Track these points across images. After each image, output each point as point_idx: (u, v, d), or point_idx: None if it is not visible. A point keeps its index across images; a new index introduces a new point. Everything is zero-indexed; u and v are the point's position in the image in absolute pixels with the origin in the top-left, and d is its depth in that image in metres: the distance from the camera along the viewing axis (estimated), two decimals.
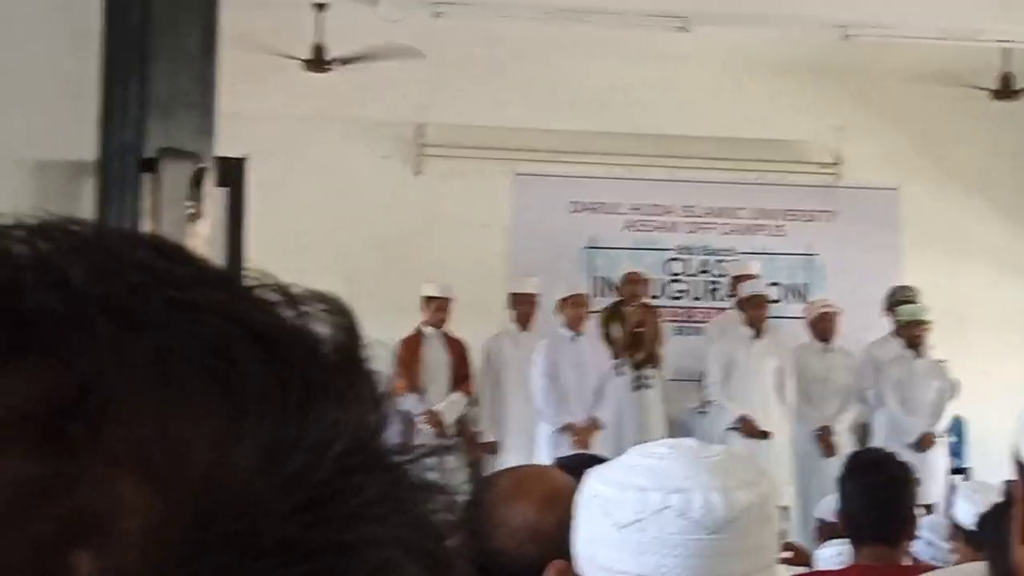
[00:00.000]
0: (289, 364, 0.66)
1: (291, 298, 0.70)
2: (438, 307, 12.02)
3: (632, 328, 12.01)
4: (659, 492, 1.77)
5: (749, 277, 12.37)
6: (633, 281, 12.26)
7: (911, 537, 4.98)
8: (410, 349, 11.96)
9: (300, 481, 0.63)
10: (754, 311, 11.96)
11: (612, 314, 12.26)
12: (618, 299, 12.43)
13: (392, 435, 0.71)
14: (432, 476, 0.71)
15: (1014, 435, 1.92)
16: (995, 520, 4.22)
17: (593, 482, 1.85)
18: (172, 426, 0.62)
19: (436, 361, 12.01)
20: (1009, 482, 1.94)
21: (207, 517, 0.61)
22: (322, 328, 0.70)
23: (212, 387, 0.64)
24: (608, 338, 12.05)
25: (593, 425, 11.59)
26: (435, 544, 0.69)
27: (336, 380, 0.67)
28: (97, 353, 0.63)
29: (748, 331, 11.97)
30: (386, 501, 0.67)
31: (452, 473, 0.74)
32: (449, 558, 0.70)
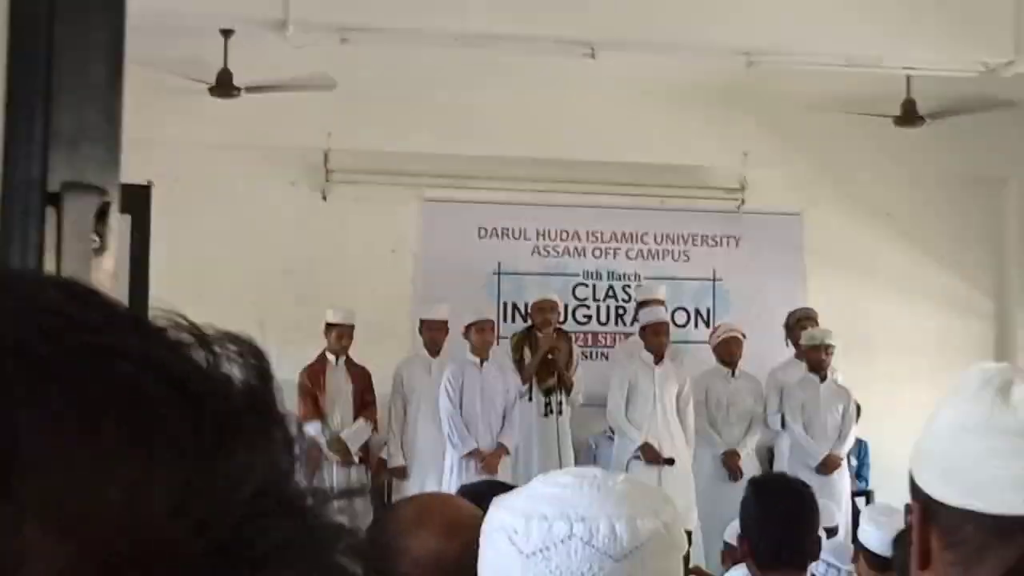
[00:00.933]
0: (201, 408, 0.66)
1: (203, 339, 0.70)
2: (340, 334, 11.99)
3: (544, 354, 12.02)
4: (564, 521, 1.77)
5: (655, 302, 12.42)
6: (543, 308, 12.26)
7: (814, 559, 5.01)
8: (313, 376, 11.91)
9: (210, 525, 0.63)
10: (654, 338, 12.01)
11: (523, 339, 12.26)
12: (529, 325, 12.43)
13: (302, 476, 0.71)
14: (340, 519, 0.72)
15: (911, 460, 1.95)
16: (903, 544, 4.27)
17: (498, 512, 1.85)
18: (83, 474, 0.62)
19: (339, 388, 11.98)
20: (907, 507, 1.96)
21: (117, 563, 0.61)
22: (234, 369, 0.70)
23: (125, 433, 0.63)
24: (519, 363, 12.05)
25: (500, 451, 11.60)
26: None
27: (247, 423, 0.67)
28: (10, 399, 0.63)
29: (649, 357, 12.02)
30: (294, 546, 0.67)
31: (353, 508, 0.74)
32: None
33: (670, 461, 11.79)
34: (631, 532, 1.78)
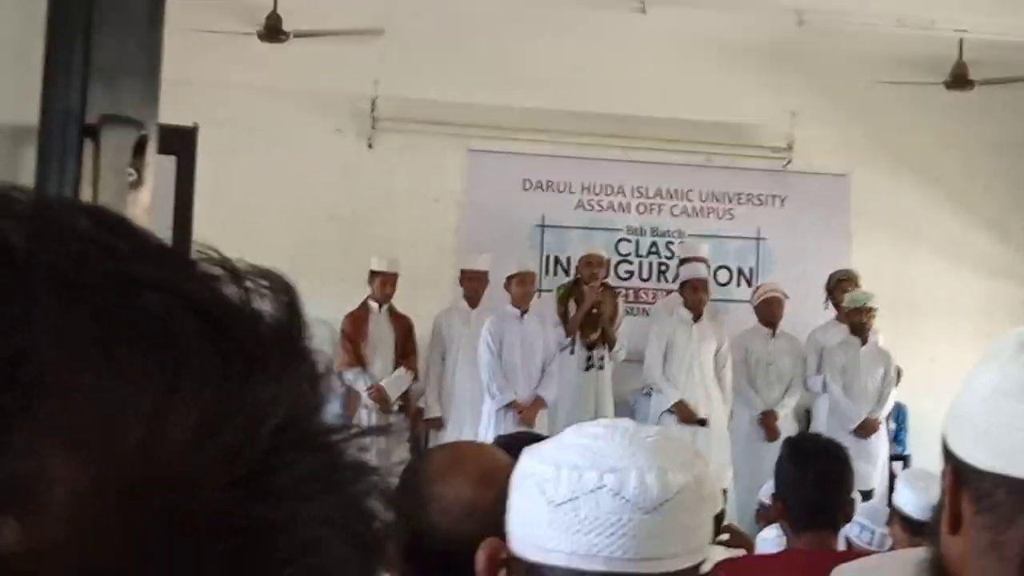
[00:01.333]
0: (228, 339, 0.66)
1: (234, 273, 0.70)
2: (384, 281, 11.99)
3: (588, 308, 12.01)
4: (594, 471, 1.77)
5: (696, 260, 12.38)
6: (591, 263, 12.24)
7: (848, 520, 5.01)
8: (356, 324, 11.93)
9: (233, 456, 0.63)
10: (693, 294, 11.99)
11: (569, 292, 12.26)
12: (576, 278, 12.42)
13: (329, 414, 0.71)
14: (366, 457, 0.72)
15: (945, 423, 1.94)
16: (937, 509, 4.25)
17: (528, 460, 1.85)
18: (106, 398, 0.62)
19: (381, 336, 12.00)
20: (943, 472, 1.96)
21: (138, 489, 0.61)
22: (264, 304, 0.70)
23: (150, 360, 0.63)
24: (563, 316, 12.05)
25: (538, 403, 11.61)
26: (365, 525, 0.70)
27: (274, 357, 0.67)
28: (35, 322, 0.63)
29: (688, 314, 12.01)
30: (317, 480, 0.67)
31: (387, 454, 0.75)
32: (378, 540, 0.71)
33: (703, 422, 11.79)
34: (661, 485, 1.78)
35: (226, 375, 0.65)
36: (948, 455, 1.92)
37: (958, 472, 1.90)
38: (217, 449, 0.63)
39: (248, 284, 0.70)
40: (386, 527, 0.71)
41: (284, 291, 0.71)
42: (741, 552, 6.99)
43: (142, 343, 0.64)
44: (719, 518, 6.83)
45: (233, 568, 0.64)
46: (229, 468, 0.63)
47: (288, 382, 0.67)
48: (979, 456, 1.85)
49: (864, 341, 12.05)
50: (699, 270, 12.17)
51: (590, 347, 12.03)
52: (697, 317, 11.98)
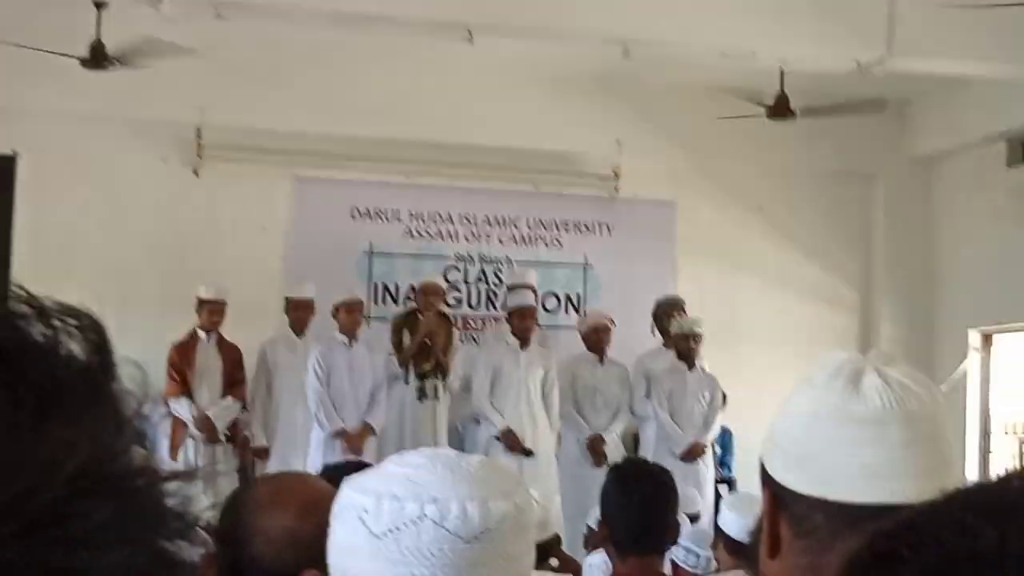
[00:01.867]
0: (24, 382, 0.63)
1: (42, 312, 0.68)
2: (212, 310, 11.86)
3: (421, 338, 11.98)
4: (415, 502, 1.76)
5: (523, 287, 12.43)
6: (428, 292, 12.21)
7: (674, 543, 5.05)
8: (183, 353, 11.79)
9: (25, 503, 0.61)
10: (520, 322, 12.04)
11: (403, 322, 12.21)
12: (414, 307, 12.38)
13: (134, 457, 0.68)
14: (172, 502, 0.69)
15: (763, 448, 1.96)
16: (758, 532, 4.31)
17: (349, 491, 1.83)
18: None
19: (209, 365, 11.86)
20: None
21: None
22: (73, 344, 0.68)
23: None
24: (398, 346, 12.01)
25: (365, 431, 11.57)
26: (167, 574, 0.68)
27: (73, 400, 0.65)
28: None
29: (515, 341, 12.05)
30: (116, 528, 0.65)
31: (195, 499, 0.72)
32: None
33: (528, 452, 11.83)
34: (483, 514, 1.77)
35: (18, 420, 0.62)
36: (766, 480, 1.94)
37: (776, 497, 1.92)
38: (7, 495, 0.61)
39: (55, 323, 0.68)
40: (187, 573, 0.69)
41: (92, 330, 0.69)
42: None
43: None
44: (554, 543, 6.85)
45: None
46: (18, 517, 0.61)
47: (88, 426, 0.65)
48: (796, 481, 1.87)
49: (691, 367, 12.20)
50: (526, 298, 12.22)
51: (422, 377, 12.00)
52: (524, 344, 12.03)
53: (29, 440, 0.62)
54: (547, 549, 6.61)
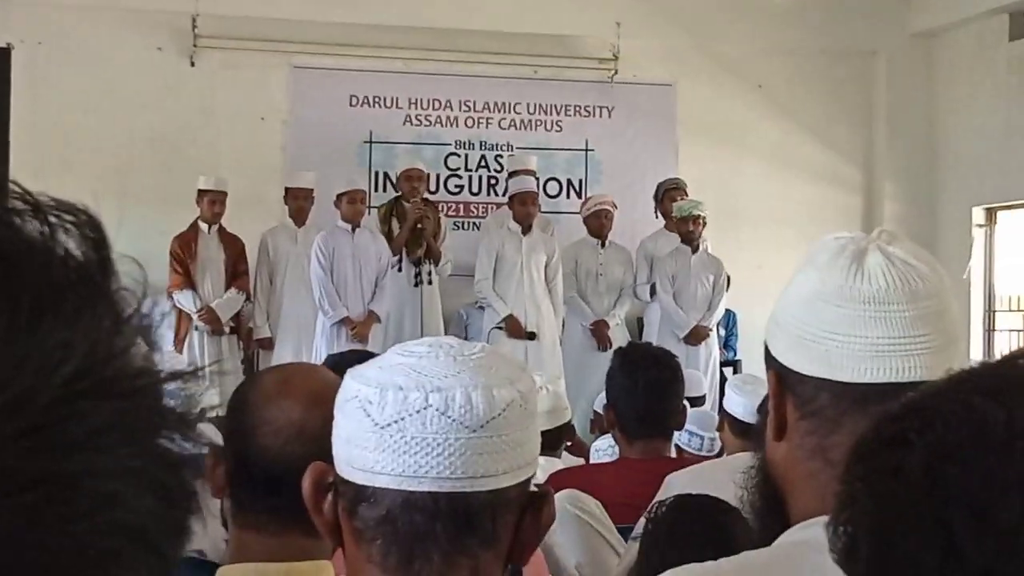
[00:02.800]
0: (19, 282, 0.62)
1: (37, 208, 0.66)
2: (212, 200, 11.82)
3: (412, 224, 11.96)
4: (419, 391, 1.76)
5: (524, 172, 12.42)
6: (411, 177, 12.18)
7: (679, 427, 5.07)
8: (185, 245, 11.78)
9: (22, 405, 0.60)
10: (521, 207, 12.01)
11: (391, 210, 12.20)
12: (397, 195, 12.37)
13: (134, 356, 0.67)
14: (172, 402, 0.69)
15: (767, 330, 1.95)
16: (763, 412, 4.32)
17: (351, 383, 1.82)
18: None
19: (211, 257, 11.85)
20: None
21: None
22: (69, 241, 0.66)
23: None
24: (387, 234, 11.99)
25: (371, 319, 11.58)
26: (169, 475, 0.67)
27: (70, 300, 0.64)
28: None
29: (516, 227, 12.04)
30: (115, 430, 0.64)
31: (198, 397, 0.71)
32: (185, 488, 0.68)
33: (532, 335, 11.86)
34: (487, 402, 1.77)
35: (14, 320, 0.61)
36: (771, 361, 1.93)
37: (781, 378, 1.91)
38: (3, 399, 0.60)
39: (51, 219, 0.66)
40: (194, 474, 0.68)
41: (90, 227, 0.68)
42: (580, 461, 7.05)
43: None
44: (566, 428, 6.89)
45: (26, 523, 0.60)
46: (16, 418, 0.60)
47: (85, 326, 0.64)
48: (800, 362, 1.87)
49: (695, 249, 12.19)
50: (528, 183, 12.20)
51: (417, 263, 12.01)
52: (526, 230, 12.02)
53: (24, 343, 0.61)
54: (559, 435, 6.66)
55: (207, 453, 2.55)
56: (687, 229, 12.13)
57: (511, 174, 12.59)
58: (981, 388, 0.96)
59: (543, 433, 6.91)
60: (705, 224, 12.18)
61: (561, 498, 4.03)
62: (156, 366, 0.69)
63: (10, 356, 0.61)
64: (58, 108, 12.33)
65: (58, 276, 0.65)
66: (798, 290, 1.90)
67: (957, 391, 0.97)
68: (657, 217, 12.84)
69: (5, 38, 12.19)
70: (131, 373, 0.66)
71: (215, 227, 11.89)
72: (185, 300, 11.67)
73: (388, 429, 1.76)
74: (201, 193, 11.83)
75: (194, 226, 11.86)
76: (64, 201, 0.68)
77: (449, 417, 1.75)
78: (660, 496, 3.62)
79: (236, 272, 11.94)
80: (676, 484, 3.72)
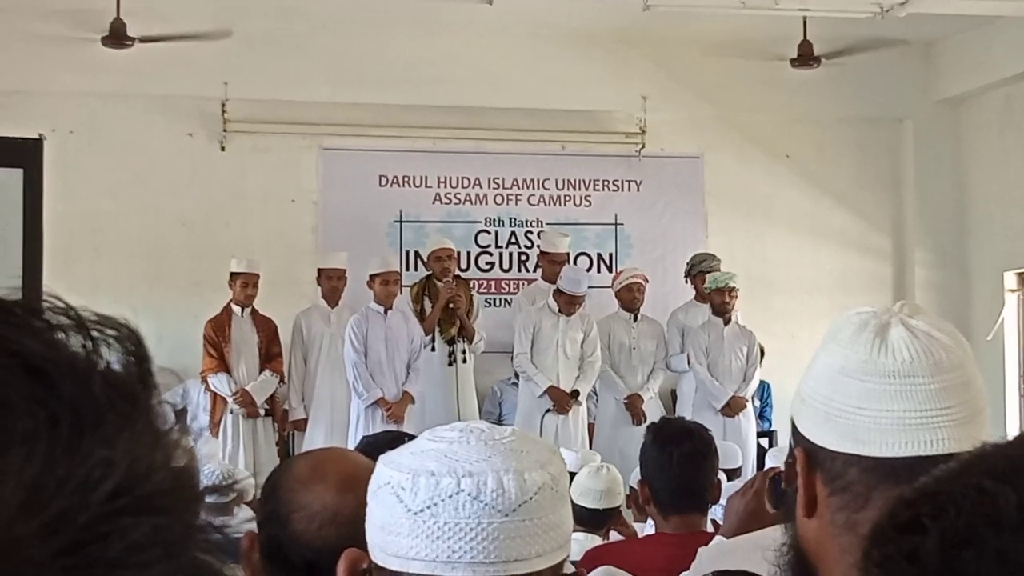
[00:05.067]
0: (61, 400, 0.63)
1: (80, 323, 0.68)
2: (245, 283, 11.86)
3: (444, 303, 11.99)
4: (451, 476, 1.77)
5: (557, 256, 12.45)
6: (441, 257, 12.21)
7: (715, 501, 5.06)
8: (219, 328, 11.82)
9: (63, 523, 0.61)
10: (568, 305, 11.95)
11: (423, 289, 12.22)
12: (428, 274, 12.40)
13: (173, 471, 0.68)
14: (208, 516, 0.69)
15: (792, 406, 1.96)
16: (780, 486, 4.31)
17: (384, 469, 1.84)
18: None
19: (245, 340, 11.89)
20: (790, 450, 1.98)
21: None
22: (110, 355, 0.68)
23: None
24: (420, 313, 12.01)
25: (405, 399, 11.58)
26: None
27: (110, 417, 0.65)
28: None
29: (554, 304, 12.03)
30: (154, 546, 0.65)
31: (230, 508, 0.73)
32: None
33: (575, 394, 11.84)
34: (519, 486, 1.78)
35: (56, 439, 0.62)
36: (798, 438, 1.94)
37: (809, 454, 1.92)
38: (46, 517, 0.61)
39: (94, 334, 0.68)
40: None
41: (131, 341, 0.69)
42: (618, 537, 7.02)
43: None
44: (615, 511, 6.89)
45: None
46: (59, 536, 0.61)
47: (125, 443, 0.65)
48: (828, 438, 1.88)
49: (727, 321, 12.17)
50: (580, 285, 11.98)
51: (450, 342, 12.03)
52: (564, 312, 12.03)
53: (66, 460, 0.62)
54: (607, 516, 6.66)
55: (243, 539, 2.57)
56: (721, 301, 12.12)
57: (543, 254, 12.62)
58: (993, 471, 0.98)
59: (592, 511, 6.90)
60: (737, 296, 12.17)
61: (597, 574, 4.03)
62: (192, 479, 0.70)
63: (51, 476, 0.62)
64: (90, 196, 12.42)
65: (99, 393, 0.66)
66: (822, 366, 1.91)
67: (969, 474, 0.98)
68: (686, 283, 12.84)
69: (37, 128, 12.30)
70: (169, 488, 0.67)
71: (248, 309, 11.93)
72: (220, 384, 11.70)
73: (421, 515, 1.77)
74: (233, 276, 11.88)
75: (227, 309, 11.91)
76: (106, 315, 0.69)
77: (481, 502, 1.76)
78: (693, 572, 3.61)
79: (270, 354, 11.97)
80: (707, 558, 3.71)
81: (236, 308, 11.91)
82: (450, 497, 1.76)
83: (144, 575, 0.64)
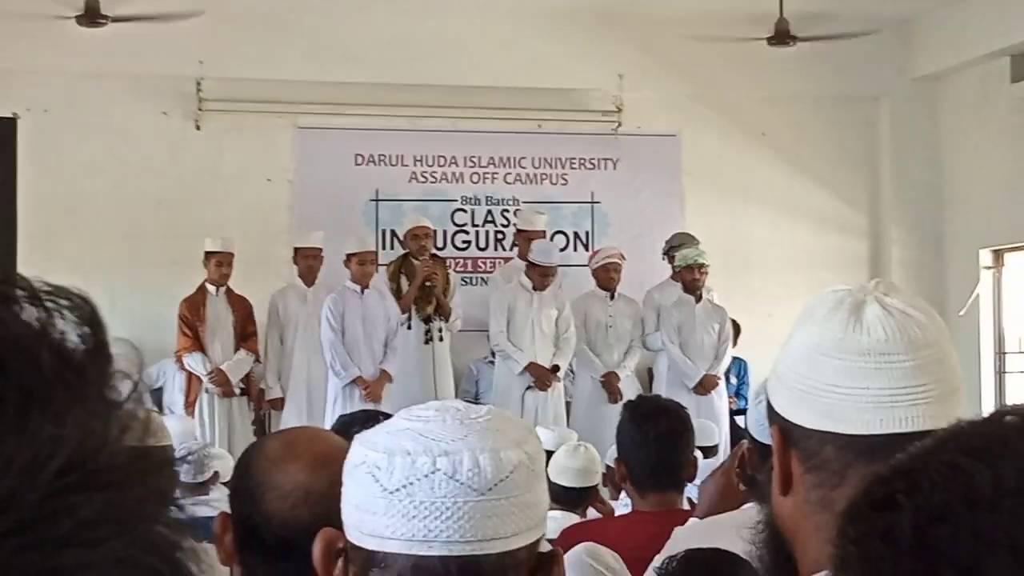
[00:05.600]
0: (7, 377, 0.63)
1: (35, 295, 0.67)
2: (219, 262, 11.83)
3: (420, 281, 11.98)
4: (427, 456, 1.76)
5: (534, 233, 12.44)
6: (418, 235, 12.21)
7: (692, 480, 5.06)
8: (193, 307, 11.79)
9: (10, 504, 0.61)
10: (541, 278, 11.97)
11: (399, 267, 12.22)
12: (405, 252, 12.39)
13: (126, 444, 0.67)
14: (165, 486, 0.69)
15: (768, 385, 1.96)
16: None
17: (359, 448, 1.83)
18: None
19: (220, 319, 11.87)
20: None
21: None
22: (65, 326, 0.67)
23: None
24: (396, 292, 12.01)
25: (383, 378, 11.58)
26: (163, 561, 0.67)
27: (59, 393, 0.64)
28: None
29: (528, 282, 12.05)
30: (106, 522, 0.64)
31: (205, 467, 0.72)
32: (181, 573, 0.68)
33: (556, 368, 11.88)
34: (495, 465, 1.77)
35: (3, 417, 0.62)
36: (773, 416, 1.94)
37: (785, 432, 1.92)
38: None
39: (49, 306, 0.67)
40: (188, 555, 0.68)
41: (85, 311, 0.68)
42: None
43: None
44: (593, 490, 6.91)
45: None
46: (4, 518, 0.61)
47: (74, 418, 0.64)
48: (803, 415, 1.88)
49: (698, 299, 12.19)
50: (551, 255, 12.07)
51: (427, 320, 12.03)
52: (538, 288, 12.02)
53: (12, 441, 0.62)
54: (585, 494, 6.67)
55: (216, 520, 2.56)
56: (691, 278, 12.14)
57: (519, 231, 12.65)
58: (967, 448, 0.98)
59: (569, 490, 6.90)
60: (707, 273, 12.18)
61: (579, 550, 4.03)
62: (147, 451, 0.69)
63: None
64: (65, 175, 12.40)
65: (47, 368, 0.65)
66: (798, 344, 1.91)
67: (943, 452, 0.99)
68: (663, 262, 12.87)
69: (10, 107, 12.26)
70: (122, 464, 0.66)
71: (223, 289, 11.91)
72: (195, 363, 11.69)
73: (397, 494, 1.77)
74: (208, 255, 11.86)
75: (202, 288, 11.88)
76: (60, 287, 0.68)
77: (457, 481, 1.76)
78: (667, 551, 3.62)
79: (245, 333, 11.96)
80: (682, 538, 3.72)
81: (211, 287, 11.89)
82: (426, 476, 1.76)
83: (96, 552, 0.63)
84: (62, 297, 0.68)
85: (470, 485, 1.76)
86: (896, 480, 0.98)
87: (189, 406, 11.61)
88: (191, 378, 11.70)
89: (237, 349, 11.88)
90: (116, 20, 11.80)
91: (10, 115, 12.25)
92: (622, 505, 6.92)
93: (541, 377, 11.86)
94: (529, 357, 11.89)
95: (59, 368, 0.65)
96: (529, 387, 11.88)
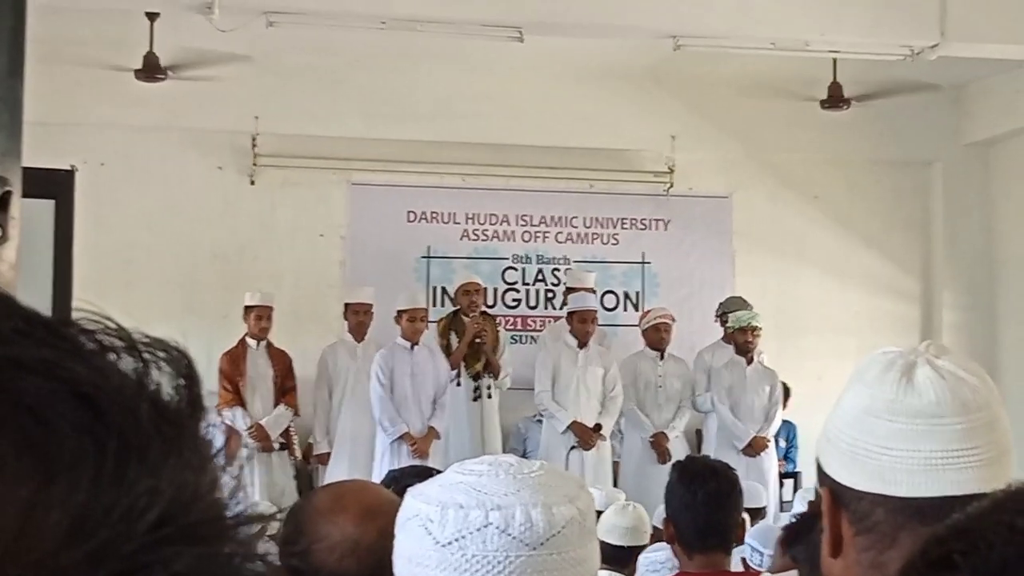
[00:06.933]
0: (108, 427, 0.63)
1: (131, 345, 0.68)
2: (259, 315, 11.82)
3: (470, 338, 11.99)
4: (480, 509, 1.77)
5: (584, 290, 12.44)
6: (469, 291, 12.23)
7: (740, 541, 5.04)
8: (233, 361, 11.77)
9: (108, 553, 0.61)
10: (580, 325, 12.00)
11: (449, 324, 12.23)
12: (455, 308, 12.41)
13: (217, 498, 0.68)
14: (250, 543, 0.69)
15: (818, 446, 1.96)
16: (805, 531, 4.29)
17: (412, 501, 1.84)
18: None
19: (260, 373, 11.84)
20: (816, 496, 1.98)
21: None
22: (160, 377, 0.68)
23: (25, 452, 0.62)
24: (446, 348, 12.02)
25: (431, 435, 11.57)
26: None
27: (155, 445, 0.65)
28: None
29: (573, 340, 12.04)
30: (197, 574, 0.65)
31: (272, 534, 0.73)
32: None
33: (598, 427, 11.84)
34: (547, 520, 1.78)
35: (102, 467, 0.62)
36: (823, 478, 1.94)
37: (835, 495, 1.92)
38: (91, 546, 0.61)
39: (146, 356, 0.68)
40: None
41: (181, 364, 0.69)
42: None
43: (15, 432, 0.62)
44: (641, 549, 6.89)
45: None
46: (101, 567, 0.61)
47: (170, 471, 0.65)
48: (854, 478, 1.88)
49: (750, 361, 12.15)
50: (588, 301, 12.18)
51: (476, 377, 12.02)
52: (583, 344, 12.02)
53: (112, 489, 0.62)
54: (633, 554, 6.65)
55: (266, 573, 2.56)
56: (744, 340, 12.11)
57: (569, 290, 12.63)
58: (1022, 508, 0.99)
59: (618, 548, 6.87)
60: (760, 335, 12.15)
61: None
62: (236, 501, 0.70)
63: (97, 504, 0.62)
64: (121, 227, 12.48)
65: (145, 420, 0.65)
66: (848, 406, 1.91)
67: (1000, 512, 0.99)
68: (715, 324, 12.83)
69: (69, 159, 12.35)
70: (213, 517, 0.67)
71: (263, 342, 11.90)
72: (235, 418, 11.65)
73: (449, 547, 1.78)
74: (247, 309, 11.87)
75: (242, 342, 11.89)
76: (157, 337, 0.69)
77: (509, 535, 1.77)
78: None
79: (284, 388, 11.93)
80: None
81: (251, 341, 11.89)
82: (478, 530, 1.77)
83: None
84: (160, 348, 0.69)
85: (522, 540, 1.77)
86: (953, 540, 0.98)
87: (228, 461, 11.55)
88: (230, 432, 11.66)
89: (277, 403, 11.87)
90: (174, 74, 11.90)
91: (68, 167, 12.34)
92: (662, 561, 6.90)
93: (584, 436, 11.84)
94: (573, 415, 11.87)
95: (157, 420, 0.66)
96: (574, 446, 11.85)
